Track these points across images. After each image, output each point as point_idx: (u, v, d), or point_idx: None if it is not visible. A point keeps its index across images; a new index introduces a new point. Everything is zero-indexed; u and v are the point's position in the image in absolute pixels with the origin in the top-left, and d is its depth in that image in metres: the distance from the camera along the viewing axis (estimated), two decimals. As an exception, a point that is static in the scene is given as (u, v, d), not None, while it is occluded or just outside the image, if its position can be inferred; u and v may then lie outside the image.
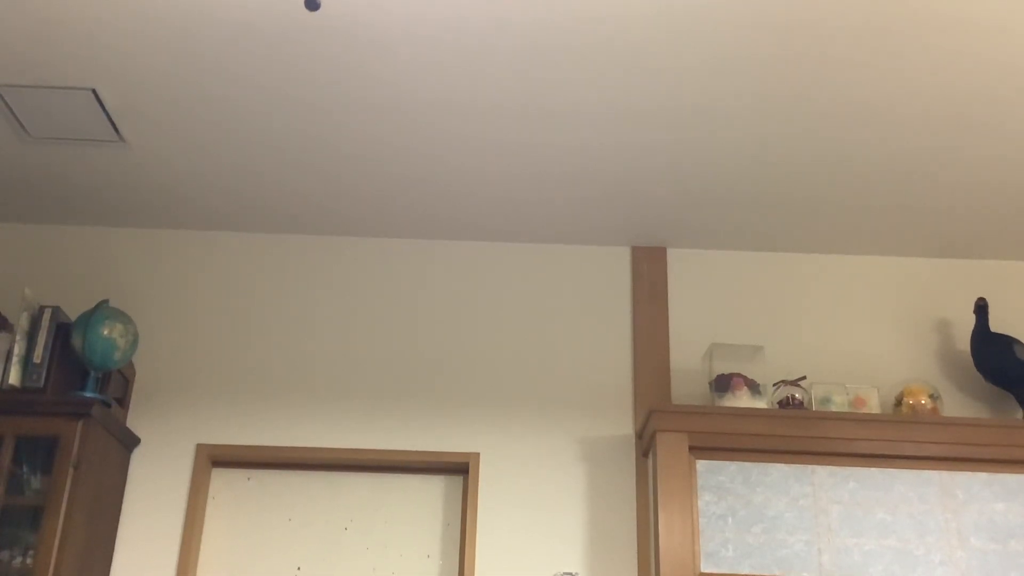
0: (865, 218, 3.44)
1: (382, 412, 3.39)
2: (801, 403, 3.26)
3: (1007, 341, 3.33)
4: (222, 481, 3.36)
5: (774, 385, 3.32)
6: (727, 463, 3.08)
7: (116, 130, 3.09)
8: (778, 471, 3.08)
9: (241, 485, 3.36)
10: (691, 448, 3.07)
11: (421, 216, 3.52)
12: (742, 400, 3.21)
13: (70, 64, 2.81)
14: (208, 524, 3.30)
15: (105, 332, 3.08)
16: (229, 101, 2.95)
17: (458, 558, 3.27)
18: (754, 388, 3.24)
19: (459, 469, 3.36)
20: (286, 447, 3.33)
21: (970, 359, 3.44)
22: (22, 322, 3.09)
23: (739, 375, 3.25)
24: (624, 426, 3.38)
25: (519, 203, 3.42)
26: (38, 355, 3.08)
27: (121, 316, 3.15)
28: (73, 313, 3.30)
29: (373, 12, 2.59)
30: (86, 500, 2.97)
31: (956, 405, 3.43)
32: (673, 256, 3.65)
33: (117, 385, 3.27)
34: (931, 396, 3.26)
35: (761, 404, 3.22)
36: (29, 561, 2.87)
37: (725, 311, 3.57)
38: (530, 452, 3.34)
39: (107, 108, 2.99)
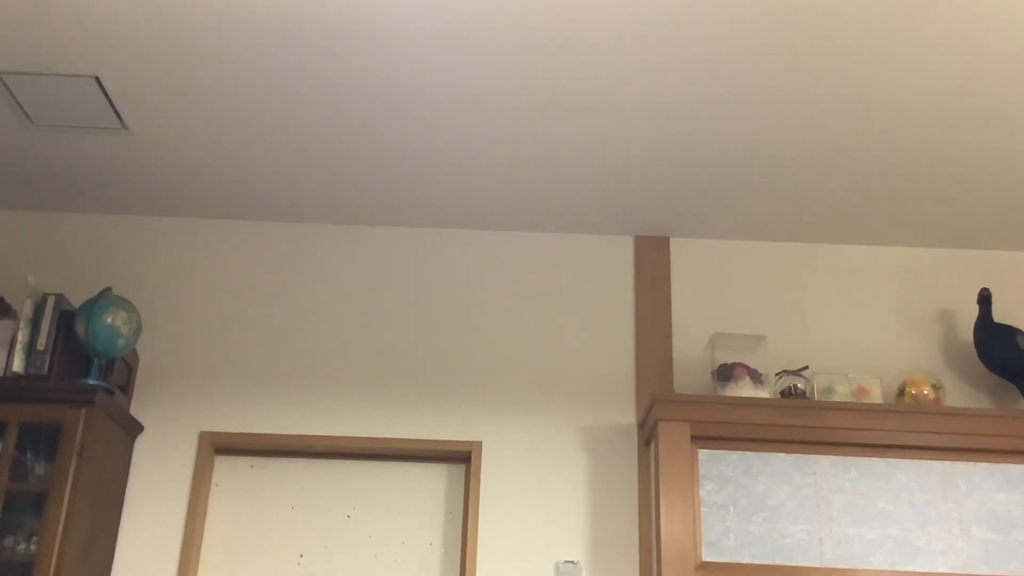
0: (868, 208, 3.43)
1: (385, 400, 3.40)
2: (803, 393, 3.26)
3: (1010, 332, 3.32)
4: (225, 468, 3.37)
5: (776, 375, 3.32)
6: (729, 452, 3.08)
7: (119, 118, 3.08)
8: (780, 460, 3.08)
9: (244, 473, 3.37)
10: (693, 437, 3.07)
11: (424, 204, 3.52)
12: (744, 389, 3.21)
13: (73, 51, 2.81)
14: (211, 511, 3.31)
15: (108, 319, 3.09)
16: (232, 89, 2.95)
17: (460, 546, 3.28)
18: (756, 377, 3.24)
19: (461, 457, 3.37)
20: (289, 435, 3.33)
21: (973, 350, 3.44)
22: (26, 309, 3.10)
23: (741, 364, 3.25)
24: (626, 415, 3.38)
25: (523, 192, 3.42)
26: (42, 342, 3.08)
27: (124, 304, 3.15)
28: (76, 300, 3.31)
29: (376, 4, 2.58)
30: (89, 487, 2.98)
31: (959, 395, 3.42)
32: (676, 245, 3.65)
33: (120, 372, 3.27)
34: (933, 386, 3.26)
35: (763, 394, 3.22)
36: (32, 547, 2.88)
37: (728, 300, 3.56)
38: (532, 440, 3.34)
39: (110, 96, 2.99)
